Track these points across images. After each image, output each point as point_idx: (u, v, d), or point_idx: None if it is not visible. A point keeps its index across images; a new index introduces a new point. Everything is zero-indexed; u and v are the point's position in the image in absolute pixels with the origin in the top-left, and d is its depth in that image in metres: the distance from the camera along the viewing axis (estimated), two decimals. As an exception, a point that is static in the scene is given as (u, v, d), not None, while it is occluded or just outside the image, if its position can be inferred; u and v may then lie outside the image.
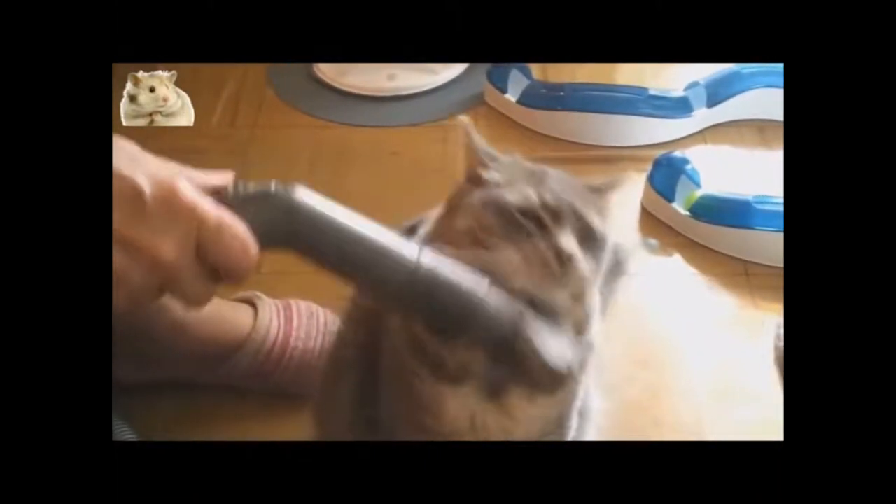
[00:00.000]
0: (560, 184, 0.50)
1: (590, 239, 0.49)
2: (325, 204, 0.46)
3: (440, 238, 0.50)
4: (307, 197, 0.46)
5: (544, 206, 0.48)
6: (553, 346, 0.48)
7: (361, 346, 0.55)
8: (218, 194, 0.45)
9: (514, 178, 0.50)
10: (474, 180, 0.51)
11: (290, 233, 0.45)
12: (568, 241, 0.48)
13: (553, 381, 0.49)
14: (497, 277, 0.48)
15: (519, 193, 0.49)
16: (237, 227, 0.44)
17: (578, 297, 0.49)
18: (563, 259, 0.47)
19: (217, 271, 0.45)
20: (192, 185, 0.44)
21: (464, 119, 0.52)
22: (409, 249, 0.47)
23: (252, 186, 0.46)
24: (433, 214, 0.53)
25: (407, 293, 0.46)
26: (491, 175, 0.50)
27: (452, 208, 0.51)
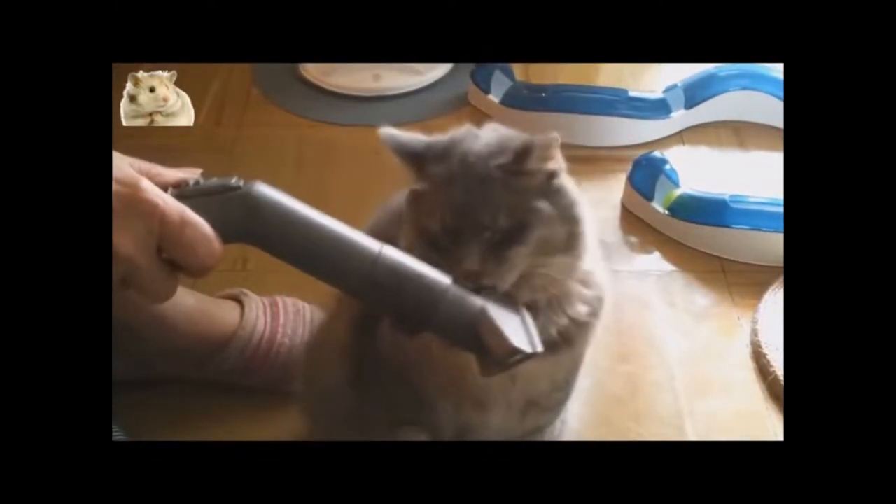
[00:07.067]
0: (469, 193, 0.49)
1: (512, 230, 0.48)
2: (286, 199, 0.47)
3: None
4: (268, 192, 0.47)
5: (445, 230, 0.49)
6: (513, 329, 0.48)
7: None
8: (177, 188, 0.46)
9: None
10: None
11: (252, 228, 0.46)
12: (470, 260, 0.48)
13: (515, 360, 0.49)
14: None
15: (419, 224, 0.50)
16: (200, 224, 0.45)
17: (528, 278, 0.50)
18: (471, 277, 0.48)
19: (180, 267, 0.46)
20: (157, 181, 0.45)
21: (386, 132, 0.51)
22: (370, 243, 0.48)
23: (213, 181, 0.47)
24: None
25: (368, 284, 0.47)
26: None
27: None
